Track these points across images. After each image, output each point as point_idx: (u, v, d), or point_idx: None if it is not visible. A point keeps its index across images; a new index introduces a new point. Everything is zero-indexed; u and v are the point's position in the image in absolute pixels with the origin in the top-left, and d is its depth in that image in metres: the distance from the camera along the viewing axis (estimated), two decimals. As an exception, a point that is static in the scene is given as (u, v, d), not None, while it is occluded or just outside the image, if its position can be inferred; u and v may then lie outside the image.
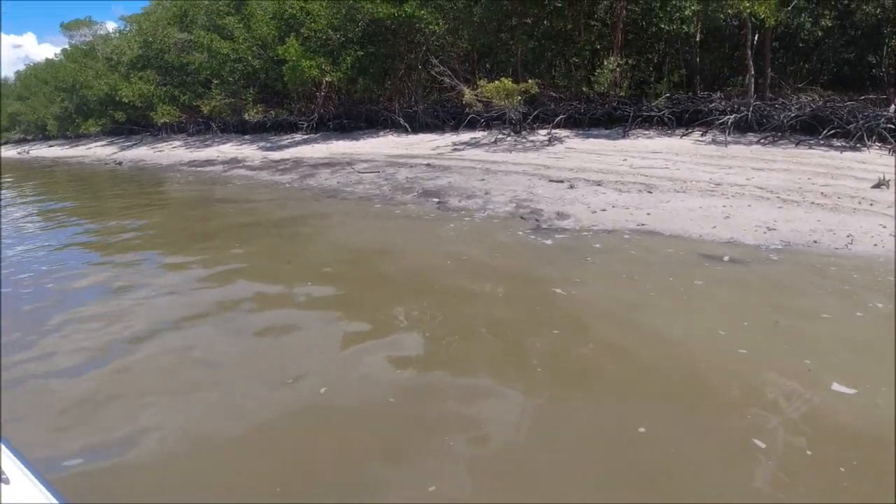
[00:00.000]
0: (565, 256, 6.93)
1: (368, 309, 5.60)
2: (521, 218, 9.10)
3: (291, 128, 25.63)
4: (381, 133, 21.89)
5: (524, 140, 17.43)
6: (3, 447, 2.01)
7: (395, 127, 22.11)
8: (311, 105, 23.99)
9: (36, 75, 63.28)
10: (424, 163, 15.21)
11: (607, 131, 17.25)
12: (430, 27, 18.85)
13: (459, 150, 17.26)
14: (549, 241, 7.61)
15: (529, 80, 17.36)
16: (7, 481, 1.87)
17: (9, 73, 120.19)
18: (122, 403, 3.97)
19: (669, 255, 6.75)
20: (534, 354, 4.46)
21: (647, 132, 16.00)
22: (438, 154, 16.81)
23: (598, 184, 10.95)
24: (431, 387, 4.06)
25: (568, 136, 17.30)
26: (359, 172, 14.64)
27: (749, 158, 11.98)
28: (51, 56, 67.78)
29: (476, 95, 17.39)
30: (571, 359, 4.38)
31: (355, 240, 8.46)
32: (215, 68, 26.56)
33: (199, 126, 31.88)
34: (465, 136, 19.21)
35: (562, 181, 11.62)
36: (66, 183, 22.00)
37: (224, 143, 27.21)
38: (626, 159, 13.05)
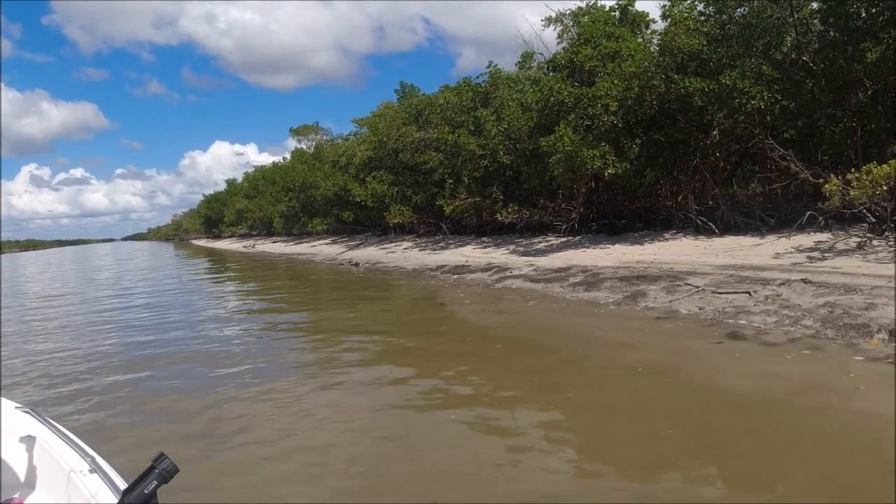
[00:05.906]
0: None
1: None
2: None
3: (541, 229, 22.62)
4: (668, 235, 17.93)
5: (899, 244, 12.55)
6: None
7: (683, 227, 18.10)
8: (567, 204, 20.82)
9: (263, 176, 69.36)
10: (795, 278, 10.81)
11: None
12: (752, 102, 14.91)
13: (816, 259, 12.72)
14: None
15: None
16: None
17: (236, 175, 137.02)
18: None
19: None
20: None
21: None
22: (793, 265, 12.40)
23: None
24: None
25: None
26: (714, 293, 10.63)
27: None
28: (268, 163, 74.59)
29: (840, 185, 12.89)
30: None
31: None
32: (457, 166, 24.74)
33: (428, 227, 30.34)
34: (802, 239, 14.62)
35: None
36: (320, 287, 20.65)
37: (463, 246, 24.84)
38: None
